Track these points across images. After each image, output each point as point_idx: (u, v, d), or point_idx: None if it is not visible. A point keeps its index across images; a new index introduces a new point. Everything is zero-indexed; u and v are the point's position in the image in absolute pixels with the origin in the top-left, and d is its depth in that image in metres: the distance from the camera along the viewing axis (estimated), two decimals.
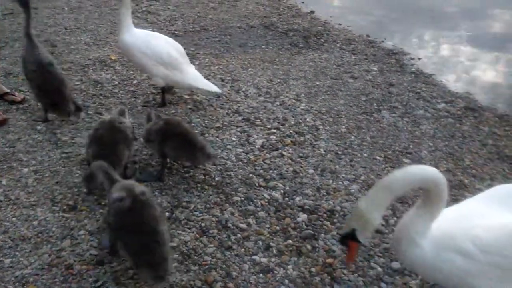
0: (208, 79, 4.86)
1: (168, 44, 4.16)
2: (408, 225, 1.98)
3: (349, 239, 1.99)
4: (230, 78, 4.95)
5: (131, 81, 4.72)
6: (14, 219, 2.82)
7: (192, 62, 5.27)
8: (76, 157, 3.43)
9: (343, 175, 3.36)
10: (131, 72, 4.91)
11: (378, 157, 3.61)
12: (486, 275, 1.87)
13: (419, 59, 5.88)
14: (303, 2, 8.11)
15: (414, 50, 6.21)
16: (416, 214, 1.98)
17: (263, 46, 5.96)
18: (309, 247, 2.69)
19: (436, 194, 1.91)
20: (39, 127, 3.79)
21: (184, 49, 5.58)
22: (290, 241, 2.73)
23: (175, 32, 6.25)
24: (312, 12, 7.52)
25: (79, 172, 3.27)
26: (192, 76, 4.19)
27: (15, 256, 2.56)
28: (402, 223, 2.04)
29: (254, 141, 3.74)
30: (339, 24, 7.05)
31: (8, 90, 4.23)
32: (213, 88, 4.18)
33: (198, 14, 7.06)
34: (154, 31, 6.18)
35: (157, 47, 4.02)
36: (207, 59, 5.43)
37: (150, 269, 2.20)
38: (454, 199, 3.13)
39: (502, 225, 1.92)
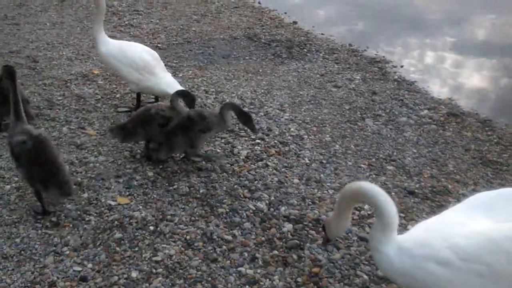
0: (191, 91, 4.88)
1: (142, 50, 4.30)
2: (370, 235, 2.12)
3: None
4: (214, 89, 4.96)
5: (114, 95, 4.70)
6: None
7: (175, 75, 5.29)
8: None
9: (328, 184, 3.37)
10: (114, 86, 4.89)
11: (362, 165, 3.64)
12: (466, 283, 1.86)
13: (402, 66, 5.98)
14: (285, 13, 8.20)
15: (396, 58, 6.32)
16: (374, 225, 2.11)
17: (246, 57, 6.00)
18: (295, 257, 2.68)
19: (376, 206, 2.06)
20: None
21: (168, 62, 5.66)
22: (276, 252, 2.72)
23: (158, 45, 6.25)
24: (294, 22, 7.60)
25: None
26: (166, 81, 4.26)
27: None
28: (370, 231, 2.17)
29: (238, 152, 3.74)
30: (322, 34, 7.14)
31: None
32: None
33: (181, 26, 7.09)
34: None
35: (130, 53, 4.19)
36: (190, 71, 5.44)
37: (57, 189, 2.86)
38: (439, 205, 3.18)
39: (481, 233, 1.92)
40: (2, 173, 3.36)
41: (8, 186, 3.23)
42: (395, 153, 3.83)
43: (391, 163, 3.69)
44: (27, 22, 6.96)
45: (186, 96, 3.70)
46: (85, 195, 3.17)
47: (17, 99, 2.90)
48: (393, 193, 3.27)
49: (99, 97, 4.63)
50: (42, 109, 4.29)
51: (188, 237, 2.82)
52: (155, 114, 3.52)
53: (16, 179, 3.31)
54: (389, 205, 2.03)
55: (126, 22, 7.15)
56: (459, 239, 1.90)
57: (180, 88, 4.28)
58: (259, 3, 8.86)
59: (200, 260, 2.66)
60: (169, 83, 4.21)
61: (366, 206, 3.12)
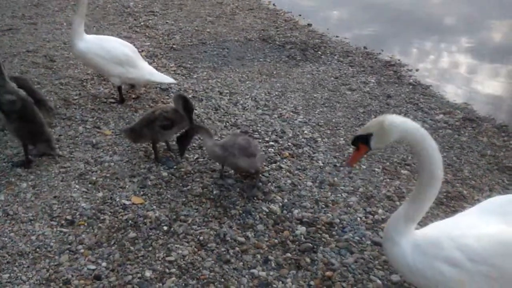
0: (206, 92, 4.91)
1: (121, 44, 4.48)
2: (389, 224, 2.10)
3: (361, 141, 2.06)
4: (228, 91, 4.97)
5: (130, 95, 4.74)
6: (12, 234, 2.81)
7: (190, 76, 5.34)
8: (74, 172, 3.43)
9: (342, 187, 3.35)
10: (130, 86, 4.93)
11: (376, 169, 3.61)
12: (475, 285, 1.86)
13: (417, 70, 5.92)
14: (300, 15, 8.19)
15: (411, 62, 6.26)
16: (397, 214, 2.09)
17: (261, 59, 6.00)
18: (308, 260, 2.68)
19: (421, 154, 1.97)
20: None
21: (182, 63, 5.70)
22: (289, 254, 2.72)
23: (174, 46, 6.29)
24: (309, 25, 7.58)
25: (77, 186, 3.27)
26: (148, 71, 4.50)
27: (13, 272, 2.55)
28: (387, 223, 2.15)
29: None
30: (336, 37, 7.11)
31: None
32: (169, 79, 4.53)
33: (196, 28, 7.12)
34: (152, 45, 6.27)
35: (112, 48, 4.34)
36: (205, 73, 5.46)
37: (45, 143, 3.39)
38: (454, 211, 3.14)
39: (492, 235, 1.92)
40: (18, 171, 3.41)
41: (24, 184, 3.28)
42: (409, 158, 3.79)
43: (405, 167, 3.65)
44: (44, 22, 7.06)
45: (185, 102, 3.48)
46: (100, 194, 3.20)
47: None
48: (407, 198, 3.23)
49: (115, 96, 4.67)
50: (59, 108, 4.35)
51: (201, 238, 2.83)
52: (159, 115, 3.54)
53: (32, 176, 3.36)
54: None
55: (142, 23, 7.21)
56: (469, 240, 1.90)
57: (160, 75, 4.56)
58: (273, 5, 8.87)
59: (213, 261, 2.67)
60: (151, 72, 4.49)
61: (380, 210, 3.10)
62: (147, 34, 6.75)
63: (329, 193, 3.28)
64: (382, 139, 2.01)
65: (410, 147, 2.04)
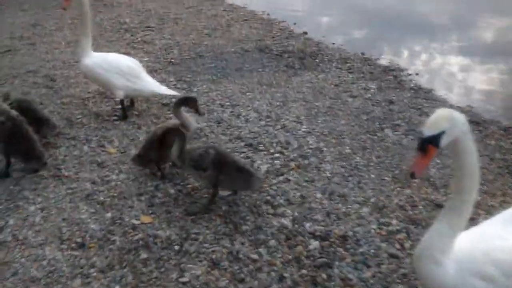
0: (207, 105, 4.90)
1: (125, 59, 4.62)
2: (430, 242, 1.93)
3: (430, 143, 1.82)
4: (229, 103, 4.96)
5: (132, 112, 4.72)
6: (23, 259, 2.77)
7: (190, 90, 5.33)
8: (82, 192, 3.40)
9: (352, 198, 3.33)
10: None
11: (386, 178, 3.59)
12: None
13: (417, 74, 5.94)
14: (295, 24, 8.22)
15: (411, 66, 6.28)
16: (437, 229, 1.93)
17: (259, 70, 6.00)
18: (324, 276, 2.64)
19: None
20: None
21: (181, 76, 5.70)
22: (304, 271, 2.68)
23: (172, 60, 6.29)
24: (305, 33, 7.61)
25: (85, 207, 3.24)
26: (153, 83, 4.55)
27: None
28: (425, 240, 1.98)
29: (258, 167, 3.72)
30: (333, 43, 7.13)
31: None
32: (172, 92, 4.56)
33: (193, 41, 7.13)
34: (151, 60, 6.27)
35: (116, 62, 4.47)
36: (205, 86, 5.45)
37: (37, 160, 3.56)
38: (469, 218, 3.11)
39: None
40: (26, 194, 3.38)
41: (32, 207, 3.25)
42: None
43: (405, 174, 3.63)
44: (43, 42, 7.05)
45: (187, 100, 3.58)
46: (109, 214, 3.17)
47: None
48: (420, 206, 3.22)
49: (117, 114, 4.65)
50: (62, 128, 4.32)
51: (213, 257, 2.80)
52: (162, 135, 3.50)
53: (40, 199, 3.33)
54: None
55: (139, 39, 7.21)
56: (501, 254, 1.86)
57: (164, 87, 4.58)
58: (268, 14, 8.90)
59: (227, 281, 2.63)
60: (156, 85, 4.55)
61: (393, 221, 3.07)
62: (145, 49, 6.75)
63: (340, 205, 3.26)
64: (449, 137, 1.82)
65: (454, 144, 1.87)
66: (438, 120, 1.83)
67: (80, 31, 4.51)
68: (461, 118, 1.85)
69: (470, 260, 1.89)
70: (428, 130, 1.82)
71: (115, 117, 4.58)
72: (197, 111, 3.59)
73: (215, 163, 3.13)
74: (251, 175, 3.16)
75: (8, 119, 3.49)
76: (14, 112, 3.58)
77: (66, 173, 3.63)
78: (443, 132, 1.80)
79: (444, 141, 1.81)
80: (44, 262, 2.76)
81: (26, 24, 8.01)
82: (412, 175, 1.84)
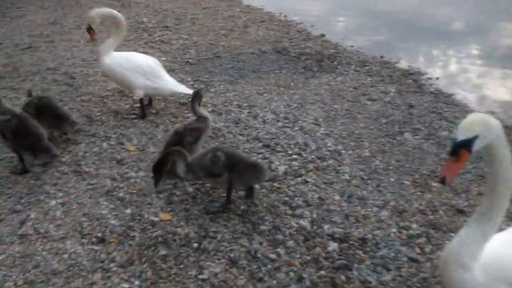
0: (225, 106, 4.92)
1: (145, 57, 4.66)
2: (459, 247, 1.89)
3: (463, 147, 1.78)
4: (246, 104, 4.97)
5: (150, 111, 4.75)
6: (44, 252, 2.81)
7: (207, 90, 5.35)
8: (102, 188, 3.43)
9: (372, 201, 3.31)
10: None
11: (406, 182, 3.56)
12: None
13: (437, 78, 5.88)
14: (312, 26, 8.21)
15: (431, 70, 6.22)
16: (467, 235, 1.89)
17: (276, 71, 6.00)
18: (343, 278, 2.63)
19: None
20: (63, 159, 3.81)
21: (199, 76, 5.72)
22: (323, 272, 2.67)
23: (189, 60, 6.32)
24: (322, 35, 7.59)
25: (105, 203, 3.27)
26: (172, 82, 4.60)
27: None
28: (453, 244, 1.95)
29: (276, 168, 3.72)
30: (351, 46, 7.11)
31: None
32: (190, 91, 4.50)
33: (210, 41, 7.16)
34: (168, 60, 6.31)
35: (136, 61, 4.51)
36: (222, 86, 5.47)
37: (46, 153, 3.59)
38: None
39: None
40: (47, 189, 3.42)
41: (54, 202, 3.29)
42: (439, 169, 3.73)
43: (435, 179, 3.60)
44: (62, 40, 7.15)
45: (197, 93, 3.72)
46: (128, 210, 3.20)
47: None
48: (441, 211, 3.19)
49: (136, 112, 4.69)
50: (82, 125, 4.37)
51: (232, 255, 2.80)
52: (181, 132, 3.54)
53: (61, 194, 3.37)
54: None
55: (157, 38, 7.27)
56: None
57: (183, 86, 4.63)
58: (285, 16, 8.90)
59: (245, 279, 2.63)
60: (175, 84, 4.58)
61: (414, 225, 3.05)
62: (162, 49, 6.79)
63: (359, 208, 3.24)
64: (482, 142, 1.80)
65: (489, 149, 1.85)
66: (471, 124, 1.80)
67: (112, 35, 4.53)
68: (495, 123, 1.83)
69: (499, 267, 1.87)
70: (461, 134, 1.79)
71: (134, 115, 4.62)
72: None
73: (227, 166, 3.13)
74: (261, 167, 3.20)
75: (12, 117, 3.57)
76: (17, 110, 3.69)
77: (87, 169, 3.67)
78: (476, 137, 1.77)
79: (476, 146, 1.79)
80: (65, 256, 2.79)
81: (45, 22, 8.13)
82: (443, 180, 1.81)
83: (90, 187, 3.45)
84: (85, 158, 3.84)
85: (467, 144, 1.78)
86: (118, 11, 4.63)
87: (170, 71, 5.85)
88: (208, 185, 3.49)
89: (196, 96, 3.69)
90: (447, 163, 1.84)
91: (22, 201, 3.31)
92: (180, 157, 3.17)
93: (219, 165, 3.12)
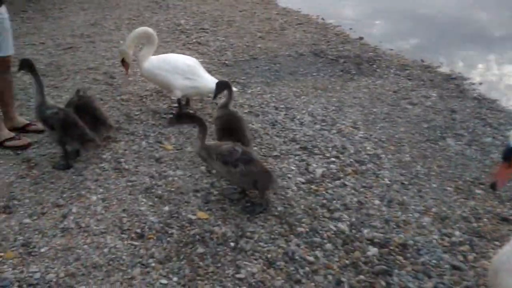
0: (261, 107, 4.91)
1: (183, 57, 4.72)
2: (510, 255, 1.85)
3: None
4: (283, 106, 4.95)
5: (188, 111, 4.80)
6: (85, 246, 2.87)
7: (244, 91, 5.36)
8: (141, 186, 3.49)
9: (413, 207, 3.22)
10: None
11: (448, 188, 3.44)
12: None
13: (480, 84, 5.68)
14: (351, 29, 8.10)
15: (473, 75, 6.01)
16: None
17: (314, 74, 5.95)
18: (383, 283, 2.56)
19: None
20: (104, 156, 3.90)
21: (236, 78, 5.75)
22: (362, 277, 2.62)
23: (226, 62, 6.36)
24: (361, 38, 7.48)
25: (144, 200, 3.32)
26: (210, 80, 4.54)
27: (88, 284, 2.59)
28: (504, 252, 1.90)
29: (314, 170, 3.68)
30: (391, 49, 6.97)
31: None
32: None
33: (247, 43, 7.18)
34: (205, 61, 6.37)
35: (174, 61, 4.57)
36: (258, 88, 5.47)
37: (91, 143, 3.71)
38: None
39: None
40: (88, 185, 3.51)
41: (94, 197, 3.36)
42: (483, 176, 3.60)
43: (479, 186, 3.46)
44: (102, 40, 7.33)
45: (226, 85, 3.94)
46: (166, 208, 3.23)
47: (40, 84, 3.75)
48: (485, 219, 3.06)
49: (174, 112, 4.75)
50: (122, 123, 4.46)
51: (269, 256, 2.79)
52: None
53: (101, 190, 3.45)
54: None
55: (194, 40, 7.35)
56: None
57: None
58: (322, 19, 8.82)
59: (283, 281, 2.61)
60: (213, 82, 4.48)
61: (456, 232, 2.94)
62: (199, 50, 6.86)
63: (399, 213, 3.15)
64: None
65: None
66: None
67: (147, 46, 4.62)
68: None
69: None
70: None
71: (172, 115, 4.67)
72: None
73: (243, 160, 3.15)
74: (272, 177, 3.21)
75: (59, 110, 3.75)
76: (60, 106, 3.91)
77: (126, 166, 3.74)
78: None
79: None
80: (106, 250, 2.85)
81: (86, 23, 8.36)
82: (494, 186, 1.77)
83: (129, 184, 3.51)
84: (125, 155, 3.91)
85: None
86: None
87: (207, 72, 5.92)
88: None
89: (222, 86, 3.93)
90: (499, 168, 1.80)
91: (64, 195, 3.39)
92: (201, 131, 3.27)
93: (236, 157, 3.15)
